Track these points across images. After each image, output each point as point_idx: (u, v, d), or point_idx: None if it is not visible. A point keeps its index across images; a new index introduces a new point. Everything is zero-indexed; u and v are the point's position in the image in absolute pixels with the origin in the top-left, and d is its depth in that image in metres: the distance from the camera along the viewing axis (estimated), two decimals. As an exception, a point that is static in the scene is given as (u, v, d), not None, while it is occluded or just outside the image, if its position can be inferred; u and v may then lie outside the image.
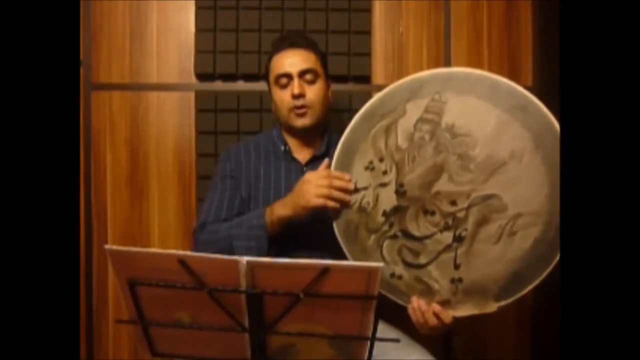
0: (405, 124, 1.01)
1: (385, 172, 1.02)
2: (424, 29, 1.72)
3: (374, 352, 0.81)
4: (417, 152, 0.99)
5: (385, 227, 1.03)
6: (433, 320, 1.00)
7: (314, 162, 1.27)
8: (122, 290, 0.81)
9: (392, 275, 1.04)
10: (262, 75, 1.61)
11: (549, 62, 1.69)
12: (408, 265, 1.02)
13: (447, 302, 1.01)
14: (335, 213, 1.07)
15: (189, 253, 0.77)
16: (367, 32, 1.69)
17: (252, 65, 1.65)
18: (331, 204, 1.04)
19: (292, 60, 1.22)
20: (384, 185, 1.03)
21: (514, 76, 1.74)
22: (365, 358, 0.81)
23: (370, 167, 1.04)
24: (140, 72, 1.67)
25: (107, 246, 0.77)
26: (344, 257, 1.08)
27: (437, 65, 1.72)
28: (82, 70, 1.64)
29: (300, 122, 1.22)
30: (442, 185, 0.98)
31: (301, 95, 1.20)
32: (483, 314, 0.99)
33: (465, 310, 1.01)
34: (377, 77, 1.70)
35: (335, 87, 1.34)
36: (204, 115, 1.65)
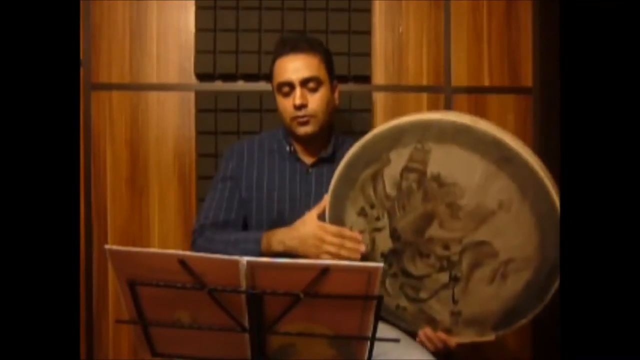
0: (391, 173, 1.01)
1: (378, 218, 1.04)
2: (424, 29, 1.72)
3: (374, 352, 0.81)
4: (406, 200, 1.01)
5: (385, 267, 1.05)
6: (440, 345, 1.07)
7: (320, 165, 1.26)
8: (122, 290, 0.81)
9: (397, 307, 1.09)
10: (262, 75, 1.62)
11: (549, 62, 1.69)
12: (410, 299, 1.07)
13: (449, 331, 1.07)
14: None
15: (188, 253, 0.77)
16: (367, 32, 1.69)
17: (252, 65, 1.65)
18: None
19: (294, 66, 1.19)
20: (378, 229, 1.05)
21: (514, 76, 1.74)
22: (365, 358, 0.81)
23: (362, 213, 1.06)
24: (140, 72, 1.67)
25: (107, 246, 0.77)
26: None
27: (437, 65, 1.72)
28: (82, 70, 1.64)
29: (303, 130, 1.21)
30: (434, 231, 1.00)
31: (303, 106, 1.18)
32: (483, 342, 1.07)
33: (466, 338, 1.07)
34: (377, 77, 1.70)
35: (335, 87, 1.34)
36: (204, 115, 1.65)
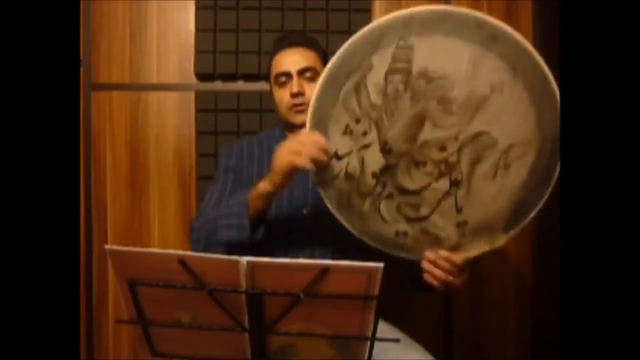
0: (375, 79, 0.93)
1: (365, 133, 0.96)
2: (424, 29, 1.72)
3: (374, 352, 0.81)
4: (394, 106, 0.93)
5: (379, 189, 0.99)
6: (445, 265, 0.99)
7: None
8: (122, 290, 0.81)
9: (397, 233, 1.01)
10: (262, 75, 1.62)
11: (549, 62, 1.69)
12: (410, 220, 0.99)
13: (457, 246, 1.00)
14: (320, 180, 1.02)
15: (189, 253, 0.77)
16: (367, 32, 1.69)
17: (252, 65, 1.65)
18: (301, 161, 0.98)
19: (291, 59, 1.22)
20: (366, 146, 0.97)
21: (514, 76, 1.74)
22: (365, 358, 0.81)
23: (348, 131, 0.98)
24: (140, 72, 1.67)
25: (107, 246, 0.77)
26: (345, 255, 1.07)
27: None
28: (82, 70, 1.65)
29: (300, 119, 1.20)
30: (428, 133, 0.93)
31: (300, 94, 1.20)
32: (494, 249, 1.00)
33: (476, 249, 1.00)
34: (377, 77, 1.70)
35: (335, 87, 1.34)
36: (203, 115, 1.65)
